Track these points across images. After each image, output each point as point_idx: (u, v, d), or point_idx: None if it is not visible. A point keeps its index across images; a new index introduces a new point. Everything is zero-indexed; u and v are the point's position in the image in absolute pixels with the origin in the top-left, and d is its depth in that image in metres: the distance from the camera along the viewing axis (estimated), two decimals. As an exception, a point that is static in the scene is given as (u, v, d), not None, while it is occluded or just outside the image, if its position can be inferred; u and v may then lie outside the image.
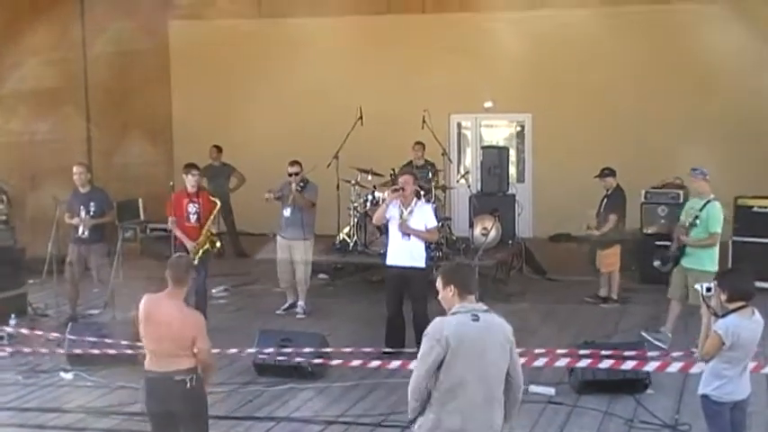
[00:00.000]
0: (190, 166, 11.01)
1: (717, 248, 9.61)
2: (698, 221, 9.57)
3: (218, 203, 11.03)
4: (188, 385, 5.88)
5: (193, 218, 10.73)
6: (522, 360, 7.06)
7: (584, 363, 8.00)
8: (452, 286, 5.14)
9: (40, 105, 14.72)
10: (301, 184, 11.42)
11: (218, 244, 10.95)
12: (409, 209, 9.58)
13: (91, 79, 16.20)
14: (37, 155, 14.54)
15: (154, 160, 16.69)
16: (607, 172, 11.98)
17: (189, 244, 10.62)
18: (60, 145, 14.99)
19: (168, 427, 6.05)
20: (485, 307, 5.14)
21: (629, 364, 7.91)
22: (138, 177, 16.12)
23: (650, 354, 8.70)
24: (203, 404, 6.09)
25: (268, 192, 11.51)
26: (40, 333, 10.06)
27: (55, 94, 15.05)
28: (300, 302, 11.57)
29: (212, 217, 10.82)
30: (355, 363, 8.48)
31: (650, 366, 7.91)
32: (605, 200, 11.97)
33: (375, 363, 8.49)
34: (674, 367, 7.64)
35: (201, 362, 5.95)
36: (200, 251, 10.62)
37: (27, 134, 14.77)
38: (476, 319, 5.05)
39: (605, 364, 7.90)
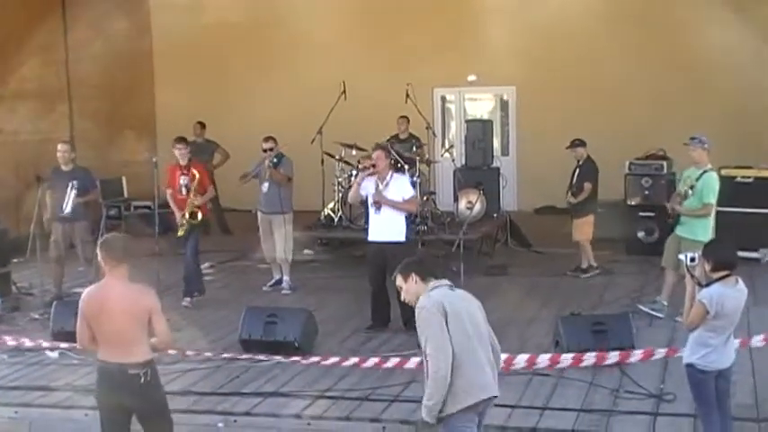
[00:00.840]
0: (176, 140, 11.13)
1: (711, 219, 9.54)
2: (692, 191, 9.50)
3: (197, 175, 10.97)
4: (142, 380, 5.68)
5: (184, 190, 10.84)
6: (505, 356, 7.16)
7: (566, 361, 7.94)
8: (413, 274, 5.30)
9: (26, 104, 14.78)
10: (274, 159, 11.40)
11: (198, 216, 10.82)
12: (385, 182, 9.58)
13: (74, 76, 16.14)
14: (23, 152, 14.51)
15: (139, 158, 16.60)
16: (577, 142, 12.03)
17: (179, 215, 10.80)
18: (46, 143, 14.94)
19: (119, 419, 5.86)
20: (450, 283, 5.39)
21: (613, 357, 7.91)
22: (123, 173, 16.07)
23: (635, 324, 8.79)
24: (159, 398, 5.90)
25: (242, 176, 11.55)
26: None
27: (40, 92, 15.06)
28: (285, 278, 11.57)
29: (192, 188, 10.79)
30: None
31: (634, 357, 7.91)
32: (577, 170, 12.03)
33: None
34: (659, 354, 7.63)
35: (161, 340, 5.74)
36: (184, 221, 10.70)
37: (12, 132, 14.78)
38: (452, 288, 5.31)
39: (589, 361, 7.89)
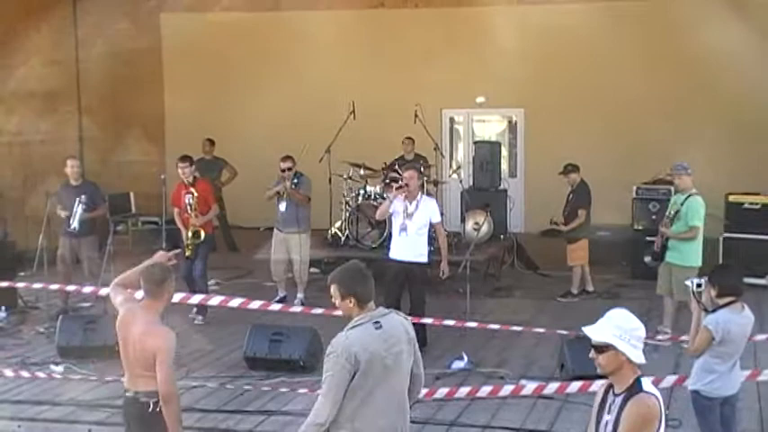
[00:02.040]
0: (180, 159, 11.12)
1: (699, 243, 9.63)
2: (679, 216, 9.63)
3: (195, 194, 11.01)
4: (149, 408, 5.40)
5: (189, 209, 10.87)
6: (511, 386, 7.01)
7: (575, 386, 7.83)
8: (352, 299, 4.87)
9: (33, 105, 14.75)
10: (295, 180, 11.45)
11: (201, 235, 10.86)
12: (414, 203, 9.61)
13: (83, 77, 16.19)
14: (30, 154, 14.54)
15: (146, 158, 16.67)
16: (570, 168, 12.10)
17: (184, 234, 10.85)
18: (54, 144, 14.98)
19: None
20: (385, 311, 4.95)
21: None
22: (131, 175, 16.12)
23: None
24: None
25: (269, 197, 11.61)
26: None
27: (48, 93, 15.09)
28: (300, 295, 11.65)
29: (193, 201, 10.85)
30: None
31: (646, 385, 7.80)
32: (571, 195, 12.06)
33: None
34: (668, 382, 7.57)
35: (160, 389, 5.33)
36: (188, 241, 10.75)
37: (21, 134, 14.80)
38: (378, 326, 4.83)
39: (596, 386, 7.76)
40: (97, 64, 16.21)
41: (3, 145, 14.48)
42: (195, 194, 10.87)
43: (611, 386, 4.30)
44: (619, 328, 4.21)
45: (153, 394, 5.39)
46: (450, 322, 9.11)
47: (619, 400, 4.20)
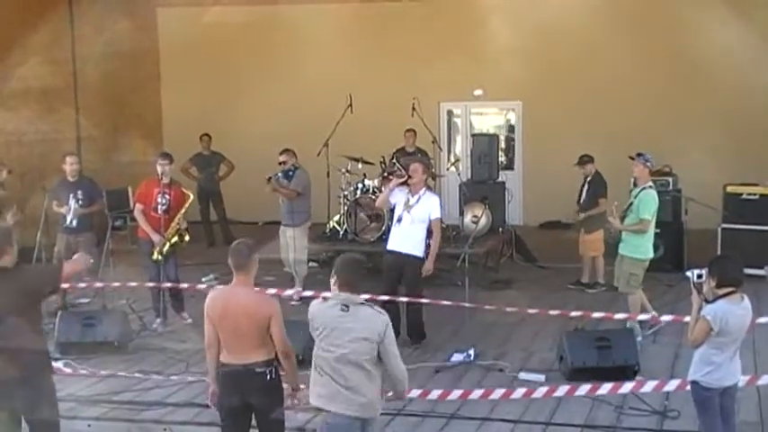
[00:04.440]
0: (161, 155, 10.75)
1: (649, 236, 9.64)
2: (632, 208, 9.67)
3: (191, 197, 10.87)
4: (268, 377, 5.80)
5: (161, 208, 10.39)
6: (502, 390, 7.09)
7: (582, 390, 7.48)
8: (336, 278, 5.52)
9: (30, 104, 14.77)
10: (290, 172, 11.46)
11: (186, 238, 10.61)
12: (417, 197, 9.59)
13: (80, 77, 16.17)
14: (28, 153, 14.53)
15: (144, 157, 16.62)
16: (586, 159, 12.10)
17: (155, 237, 10.35)
18: (51, 144, 14.97)
19: (242, 421, 5.98)
20: (361, 300, 5.47)
21: (627, 387, 7.48)
22: (129, 174, 16.06)
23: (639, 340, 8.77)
24: (281, 397, 5.96)
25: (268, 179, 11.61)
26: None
27: (45, 92, 15.09)
28: (295, 289, 11.61)
29: (183, 211, 10.57)
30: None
31: (648, 387, 7.66)
32: (586, 186, 12.07)
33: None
34: (671, 386, 7.47)
35: (278, 348, 5.81)
36: (167, 244, 10.41)
37: (18, 134, 14.79)
38: (345, 309, 5.42)
39: (604, 389, 7.42)
40: (94, 62, 16.20)
41: (0, 145, 14.49)
42: (190, 196, 10.64)
43: None
44: None
45: (266, 364, 5.78)
46: (447, 303, 9.19)
47: None
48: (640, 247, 9.60)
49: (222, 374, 5.93)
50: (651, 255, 9.67)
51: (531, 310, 9.32)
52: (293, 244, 11.56)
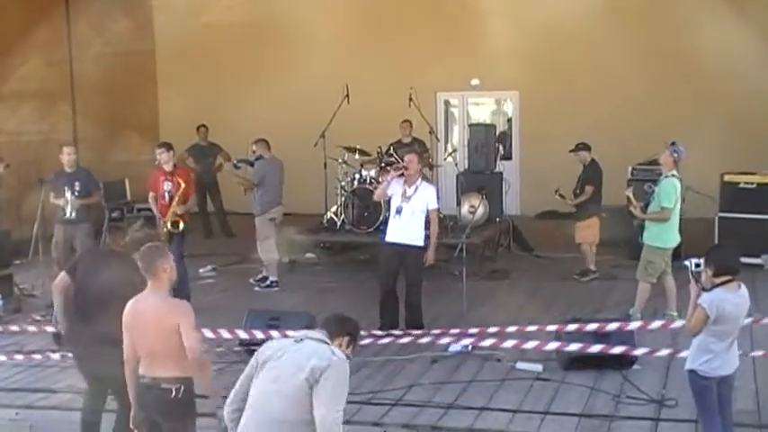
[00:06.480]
0: (158, 145, 10.96)
1: (671, 225, 9.60)
2: (654, 196, 9.67)
3: (183, 185, 10.75)
4: (173, 394, 5.48)
5: (167, 196, 10.67)
6: (513, 341, 7.11)
7: (574, 346, 8.03)
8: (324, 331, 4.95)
9: (28, 105, 14.79)
10: (252, 163, 11.65)
11: (180, 226, 10.59)
12: (413, 187, 9.58)
13: (77, 76, 16.15)
14: (25, 152, 14.52)
15: (141, 158, 16.59)
16: (581, 146, 12.10)
17: (160, 222, 10.65)
18: (48, 145, 14.93)
19: None
20: (322, 337, 4.86)
21: (617, 349, 7.98)
22: (126, 174, 16.08)
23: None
24: (187, 418, 5.63)
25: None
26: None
27: (43, 93, 15.10)
28: (272, 277, 11.78)
29: (176, 198, 10.60)
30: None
31: (639, 351, 7.89)
32: (582, 174, 12.06)
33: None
34: (664, 352, 7.58)
35: (189, 358, 5.40)
36: (166, 230, 10.46)
37: (16, 133, 14.78)
38: (298, 341, 4.84)
39: (595, 348, 7.97)
40: (91, 64, 16.19)
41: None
42: (182, 185, 10.63)
43: None
44: None
45: (173, 380, 5.47)
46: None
47: None
48: (661, 235, 9.55)
49: (137, 387, 5.67)
50: (673, 243, 9.60)
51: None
52: (257, 233, 11.71)
